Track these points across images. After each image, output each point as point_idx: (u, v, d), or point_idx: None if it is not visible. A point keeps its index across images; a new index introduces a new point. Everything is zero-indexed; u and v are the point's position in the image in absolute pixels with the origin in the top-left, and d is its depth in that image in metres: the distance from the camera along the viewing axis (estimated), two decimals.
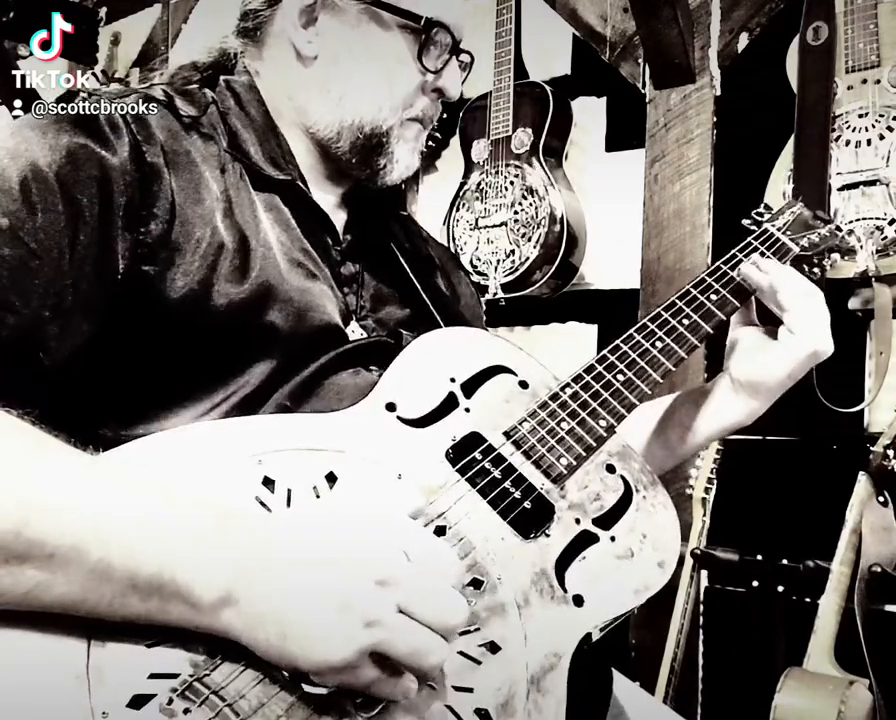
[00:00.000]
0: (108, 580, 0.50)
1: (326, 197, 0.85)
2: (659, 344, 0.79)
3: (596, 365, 0.77)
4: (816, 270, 0.94)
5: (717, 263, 0.88)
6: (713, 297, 0.83)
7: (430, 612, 0.51)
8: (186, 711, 0.48)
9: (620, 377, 0.76)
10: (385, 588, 0.50)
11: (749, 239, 0.91)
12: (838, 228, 0.95)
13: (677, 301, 0.83)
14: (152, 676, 0.50)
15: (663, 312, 0.82)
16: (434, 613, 0.51)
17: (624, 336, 0.80)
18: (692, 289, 0.84)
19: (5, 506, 0.50)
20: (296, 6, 0.79)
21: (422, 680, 0.53)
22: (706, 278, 0.85)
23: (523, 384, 0.75)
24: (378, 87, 0.79)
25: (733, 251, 0.89)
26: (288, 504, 0.59)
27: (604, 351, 0.78)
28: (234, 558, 0.52)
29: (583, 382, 0.75)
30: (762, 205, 0.96)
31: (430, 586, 0.52)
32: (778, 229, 0.92)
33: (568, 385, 0.75)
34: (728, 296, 0.84)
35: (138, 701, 0.48)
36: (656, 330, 0.80)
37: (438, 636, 0.51)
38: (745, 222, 0.94)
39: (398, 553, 0.52)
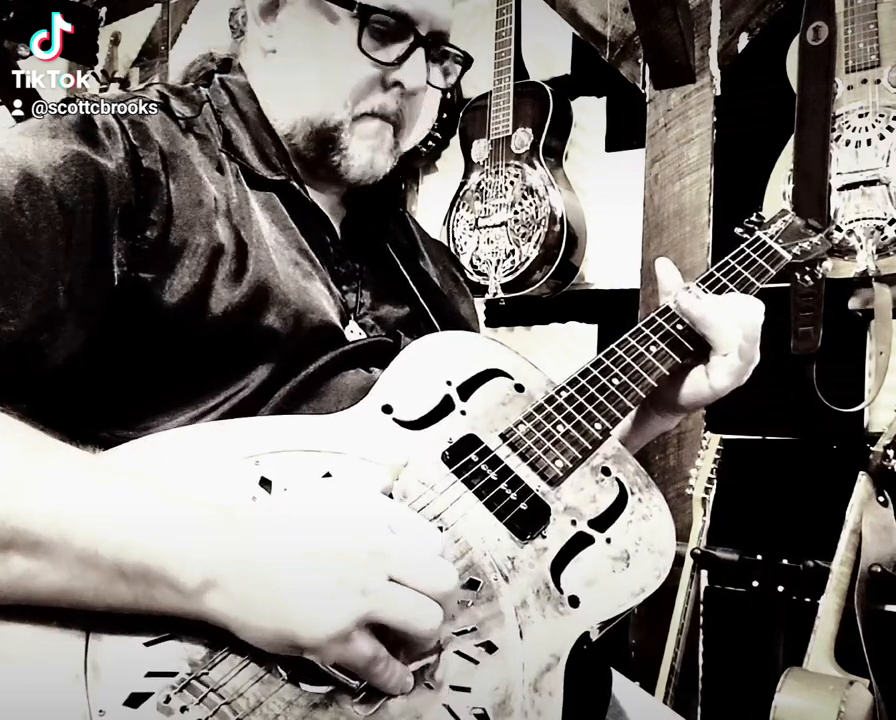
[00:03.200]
0: (95, 567, 0.50)
1: (323, 195, 0.85)
2: (654, 348, 0.80)
3: (591, 369, 0.77)
4: (808, 278, 0.95)
5: (710, 270, 0.89)
6: None
7: (421, 578, 0.52)
8: (183, 709, 0.48)
9: (615, 381, 0.77)
10: (374, 558, 0.51)
11: (742, 246, 0.92)
12: (829, 236, 0.96)
13: (671, 306, 0.84)
14: (149, 674, 0.50)
15: (658, 318, 0.83)
16: (425, 580, 0.52)
17: (619, 340, 0.81)
18: None
19: None
20: (256, 1, 0.79)
21: (419, 649, 0.53)
22: (699, 285, 0.86)
23: (519, 387, 0.75)
24: (325, 80, 0.77)
25: (726, 258, 0.90)
26: None
27: (600, 355, 0.79)
28: (221, 545, 0.52)
29: (579, 385, 0.76)
30: (754, 214, 0.97)
31: (418, 555, 0.53)
32: (770, 237, 0.93)
33: (564, 388, 0.75)
34: None
35: (135, 699, 0.48)
36: (651, 334, 0.81)
37: (432, 602, 0.52)
38: (738, 231, 0.95)
39: (383, 527, 0.53)
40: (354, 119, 0.78)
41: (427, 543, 0.54)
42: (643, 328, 0.82)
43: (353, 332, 0.79)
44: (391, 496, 0.61)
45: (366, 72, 0.77)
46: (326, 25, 0.77)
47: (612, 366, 0.78)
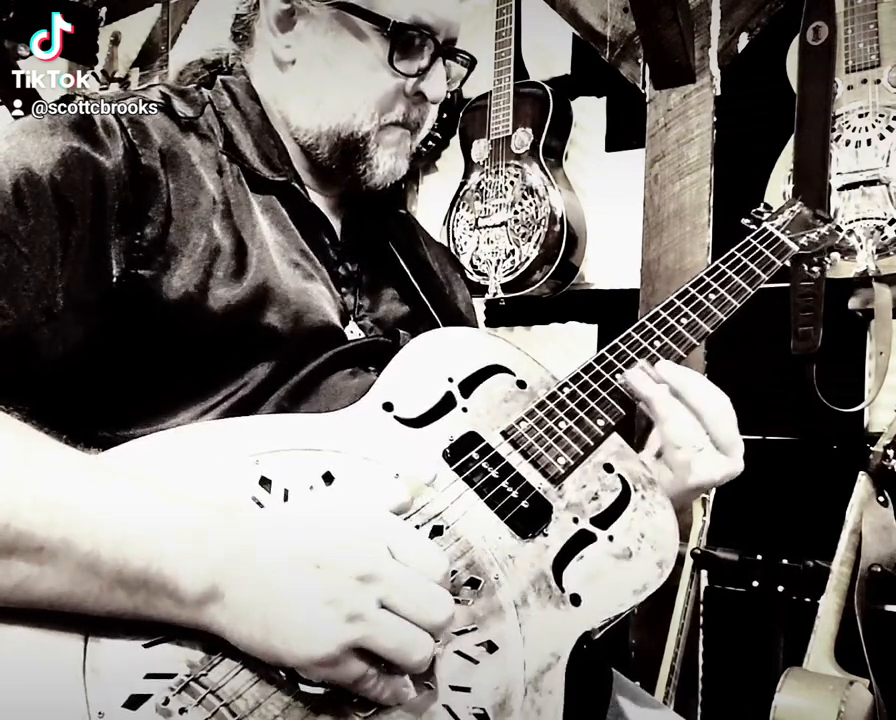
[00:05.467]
0: (96, 574, 0.50)
1: (323, 197, 0.85)
2: (657, 343, 0.79)
3: (594, 364, 0.77)
4: (816, 269, 0.94)
5: (716, 262, 0.88)
6: (711, 296, 0.83)
7: (414, 608, 0.51)
8: (182, 711, 0.48)
9: (618, 376, 0.76)
10: (367, 583, 0.50)
11: (748, 238, 0.91)
12: (838, 228, 0.95)
13: (676, 300, 0.83)
14: (149, 676, 0.49)
15: (661, 311, 0.82)
16: (418, 608, 0.51)
17: (622, 335, 0.80)
18: (691, 288, 0.84)
19: None
20: (272, 11, 0.79)
21: (407, 674, 0.52)
22: (704, 277, 0.86)
23: (521, 384, 0.75)
24: (351, 93, 0.78)
25: (732, 250, 0.89)
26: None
27: (602, 350, 0.78)
28: (221, 553, 0.52)
29: (581, 382, 0.75)
30: (762, 204, 0.96)
31: (414, 582, 0.52)
32: (777, 228, 0.92)
33: (566, 385, 0.75)
34: (726, 295, 0.84)
35: (134, 701, 0.48)
36: (654, 329, 0.80)
37: (423, 632, 0.51)
38: (745, 221, 0.94)
39: (382, 550, 0.52)
40: (380, 129, 0.79)
41: (425, 569, 0.53)
42: (647, 322, 0.81)
43: (353, 333, 0.79)
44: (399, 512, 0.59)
45: (391, 83, 0.78)
46: (350, 39, 0.77)
47: (615, 361, 0.77)
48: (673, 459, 0.74)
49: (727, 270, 0.86)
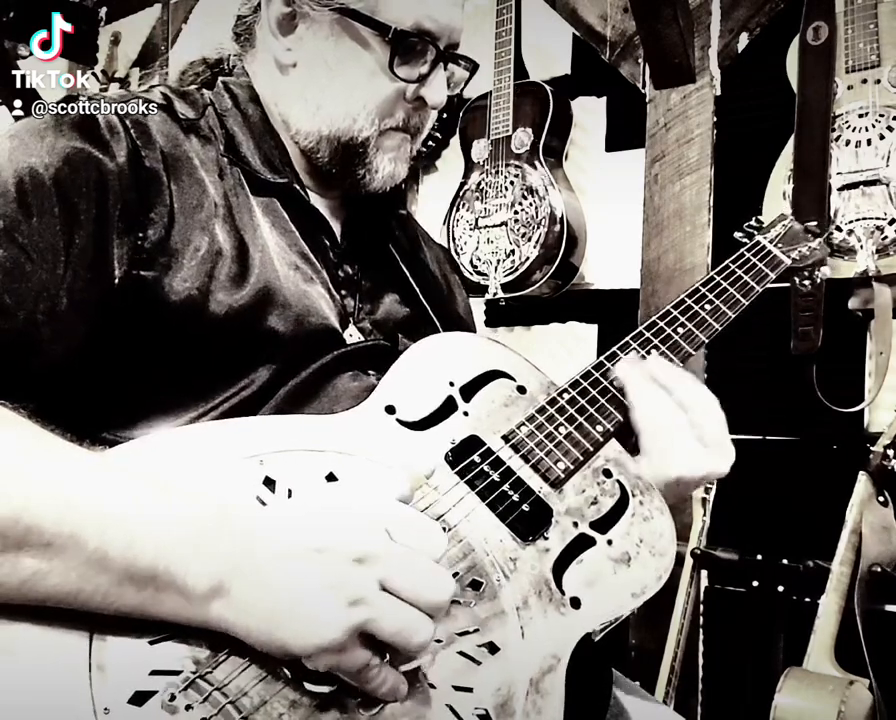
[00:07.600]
0: (104, 570, 0.50)
1: (324, 199, 0.85)
2: (655, 352, 0.80)
3: (593, 371, 0.78)
4: (807, 282, 0.96)
5: (711, 274, 0.90)
6: (707, 307, 0.85)
7: (415, 589, 0.51)
8: (188, 708, 0.49)
9: (617, 383, 0.77)
10: (365, 565, 0.51)
11: (742, 250, 0.93)
12: (828, 240, 0.98)
13: (672, 310, 0.85)
14: (154, 673, 0.50)
15: (658, 321, 0.84)
16: (419, 590, 0.51)
17: (621, 343, 0.81)
18: (687, 299, 0.86)
19: (4, 494, 0.50)
20: (273, 14, 0.79)
21: (409, 658, 0.53)
22: (700, 288, 0.87)
23: (521, 389, 0.75)
24: (351, 98, 0.78)
25: (726, 262, 0.91)
26: None
27: (601, 357, 0.80)
28: (227, 549, 0.52)
29: (580, 388, 0.76)
30: (753, 218, 0.99)
31: (415, 563, 0.52)
32: (770, 241, 0.94)
33: (565, 390, 0.76)
34: (721, 305, 0.85)
35: (140, 697, 0.49)
36: (651, 338, 0.82)
37: (424, 614, 0.51)
38: (737, 235, 0.96)
39: (380, 531, 0.52)
40: (380, 134, 0.79)
41: (425, 550, 0.53)
42: (644, 331, 0.82)
43: (352, 336, 0.80)
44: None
45: (391, 89, 0.78)
46: (351, 44, 0.77)
47: (613, 369, 0.78)
48: (649, 446, 0.75)
49: (722, 281, 0.88)
